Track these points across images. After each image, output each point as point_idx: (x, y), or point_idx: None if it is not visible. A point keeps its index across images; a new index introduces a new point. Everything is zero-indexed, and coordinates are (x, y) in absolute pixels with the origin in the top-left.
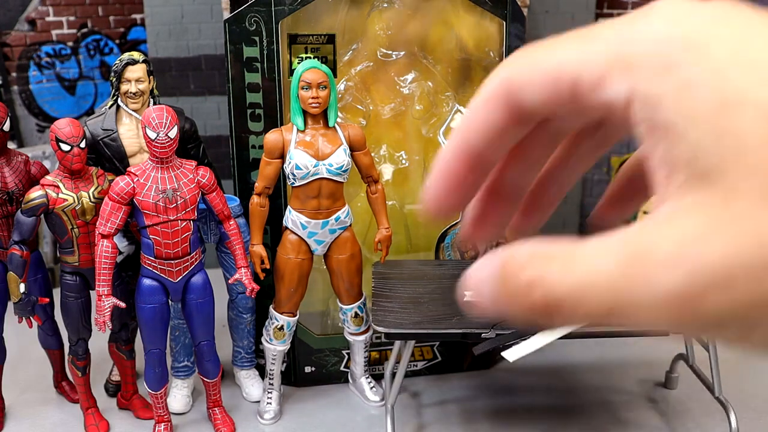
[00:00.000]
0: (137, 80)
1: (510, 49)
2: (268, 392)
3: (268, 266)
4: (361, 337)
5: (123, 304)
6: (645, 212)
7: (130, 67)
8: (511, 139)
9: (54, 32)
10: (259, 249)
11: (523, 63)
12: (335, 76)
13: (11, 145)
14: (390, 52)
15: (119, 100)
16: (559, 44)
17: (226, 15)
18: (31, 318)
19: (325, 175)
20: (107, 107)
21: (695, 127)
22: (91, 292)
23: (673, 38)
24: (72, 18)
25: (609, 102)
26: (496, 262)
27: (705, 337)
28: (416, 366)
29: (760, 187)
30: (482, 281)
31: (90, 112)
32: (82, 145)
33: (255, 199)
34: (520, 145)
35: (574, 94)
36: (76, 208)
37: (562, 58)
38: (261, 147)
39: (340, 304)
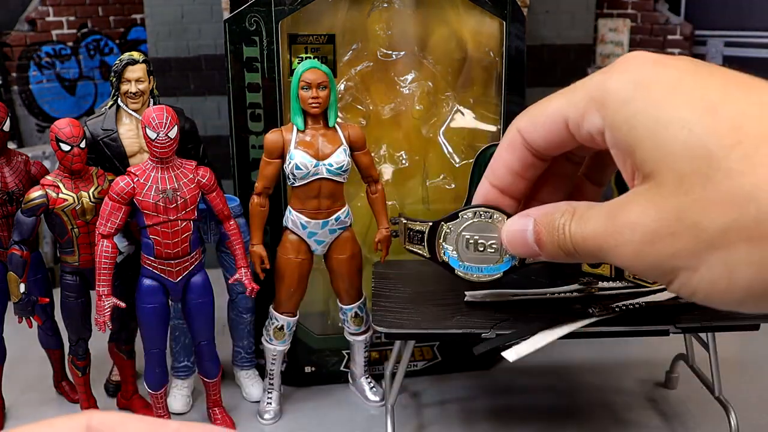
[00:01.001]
0: (137, 80)
1: (510, 49)
2: (268, 392)
3: (268, 266)
4: (361, 337)
5: (123, 304)
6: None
7: (130, 67)
8: (535, 171)
9: (54, 32)
10: (259, 249)
11: (529, 115)
12: (335, 76)
13: (11, 145)
14: (390, 52)
15: (119, 100)
16: (553, 97)
17: (226, 15)
18: (31, 318)
19: (325, 175)
20: (107, 107)
21: (641, 145)
22: (91, 292)
23: (630, 82)
24: (72, 18)
25: (590, 132)
26: (533, 213)
27: (649, 276)
28: (416, 366)
29: (676, 181)
30: (520, 226)
31: (90, 112)
32: (82, 145)
33: (255, 199)
34: (545, 176)
35: (568, 131)
36: (76, 208)
37: (555, 106)
38: (261, 147)
39: (340, 305)
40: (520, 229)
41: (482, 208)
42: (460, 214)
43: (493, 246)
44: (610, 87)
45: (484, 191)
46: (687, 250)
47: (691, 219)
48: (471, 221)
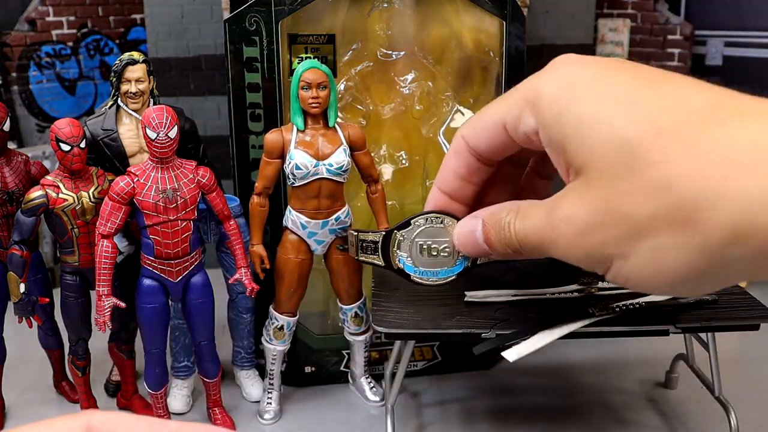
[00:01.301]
0: (137, 80)
1: (510, 49)
2: (268, 392)
3: (268, 266)
4: (361, 338)
5: (123, 304)
6: None
7: (130, 67)
8: (481, 175)
9: (54, 32)
10: (259, 249)
11: (471, 122)
12: (335, 76)
13: (11, 145)
14: (390, 52)
15: (119, 100)
16: (492, 104)
17: (226, 15)
18: (31, 318)
19: (325, 175)
20: (107, 107)
21: (569, 142)
22: (91, 292)
23: (557, 83)
24: (72, 18)
25: (526, 133)
26: (480, 214)
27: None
28: (416, 366)
29: (602, 174)
30: (470, 227)
31: (90, 112)
32: (82, 145)
33: (255, 199)
34: (492, 179)
35: (506, 134)
36: (76, 208)
37: (492, 112)
38: (261, 147)
39: (340, 305)
40: (470, 231)
41: (433, 214)
42: (412, 222)
43: (446, 250)
44: (540, 88)
45: (434, 198)
46: (617, 238)
47: (618, 209)
48: (423, 227)
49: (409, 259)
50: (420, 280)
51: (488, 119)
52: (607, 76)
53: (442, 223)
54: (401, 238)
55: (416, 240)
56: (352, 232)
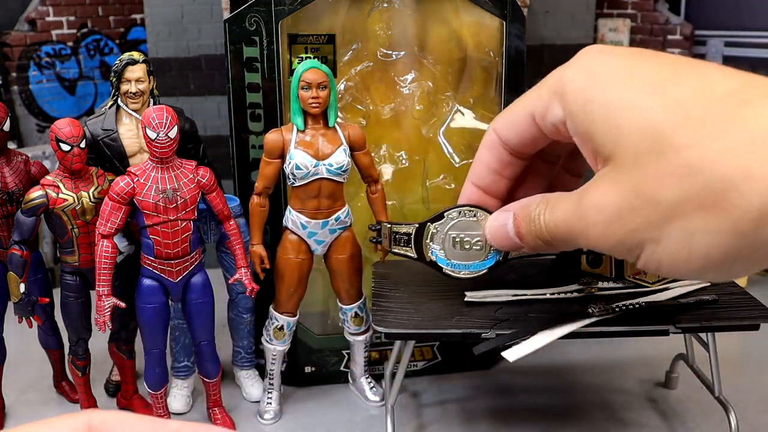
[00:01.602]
0: (137, 80)
1: (510, 49)
2: (268, 392)
3: (268, 266)
4: (361, 338)
5: (123, 304)
6: None
7: (130, 67)
8: (513, 169)
9: (54, 32)
10: (259, 249)
11: (502, 115)
12: (335, 76)
13: (11, 145)
14: (390, 52)
15: (119, 100)
16: (522, 97)
17: (226, 15)
18: (31, 318)
19: (325, 175)
20: (107, 107)
21: (597, 129)
22: (91, 292)
23: (584, 72)
24: (72, 18)
25: (554, 124)
26: (511, 207)
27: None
28: (416, 366)
29: (631, 160)
30: (501, 221)
31: (90, 112)
32: (82, 145)
33: (255, 199)
34: (524, 175)
35: (536, 126)
36: (76, 208)
37: (522, 104)
38: (261, 147)
39: (340, 305)
40: (501, 224)
41: (466, 207)
42: (445, 214)
43: (478, 243)
44: (566, 78)
45: (467, 192)
46: (647, 223)
47: (648, 193)
48: (456, 220)
49: (441, 251)
50: (451, 273)
51: (518, 112)
52: (633, 64)
53: (474, 216)
54: (434, 231)
55: (449, 233)
56: (386, 224)
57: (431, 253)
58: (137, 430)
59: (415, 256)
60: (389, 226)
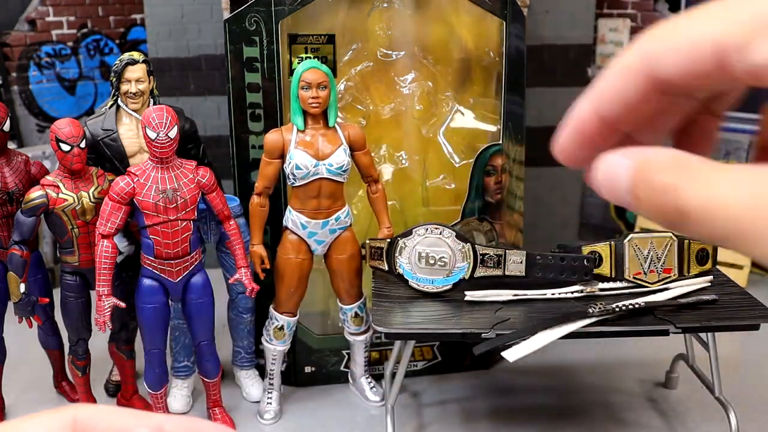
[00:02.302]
0: (137, 80)
1: (510, 49)
2: (268, 392)
3: (268, 266)
4: (361, 337)
5: (123, 304)
6: None
7: (130, 67)
8: (650, 106)
9: (54, 32)
10: (259, 249)
11: (662, 37)
12: (335, 76)
13: (11, 145)
14: (390, 52)
15: (119, 100)
16: (697, 18)
17: (226, 15)
18: (31, 318)
19: (325, 175)
20: (107, 107)
21: None
22: (91, 292)
23: None
24: (72, 18)
25: (755, 66)
26: (634, 158)
27: None
28: (416, 366)
29: None
30: (617, 170)
31: (90, 112)
32: (82, 145)
33: (255, 199)
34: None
35: (719, 63)
36: (76, 208)
37: (698, 30)
38: (261, 147)
39: (340, 305)
40: (615, 174)
41: (433, 225)
42: (413, 231)
43: (443, 260)
44: None
45: (582, 116)
46: None
47: None
48: (423, 237)
49: (408, 265)
50: (417, 287)
51: (691, 38)
52: None
53: (440, 234)
54: (403, 245)
55: (416, 248)
56: (367, 241)
57: (399, 266)
58: (121, 424)
59: (386, 269)
60: (369, 242)
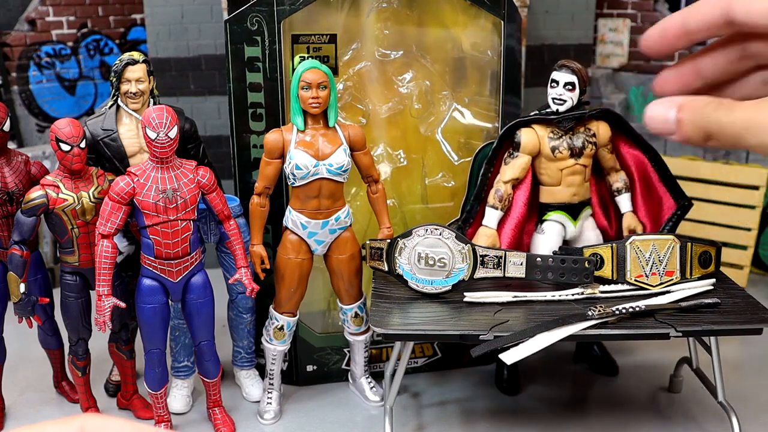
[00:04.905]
0: (137, 80)
1: (507, 49)
2: (268, 392)
3: (268, 266)
4: (361, 337)
5: (123, 304)
6: None
7: (130, 67)
8: (746, 65)
9: (54, 32)
10: (259, 249)
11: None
12: (336, 76)
13: (11, 145)
14: (388, 51)
15: (119, 100)
16: None
17: (226, 15)
18: (31, 318)
19: (325, 175)
20: (107, 107)
21: None
22: (91, 292)
23: None
24: (72, 18)
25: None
26: (676, 101)
27: None
28: (416, 363)
29: None
30: (664, 109)
31: (90, 112)
32: (82, 145)
33: (255, 199)
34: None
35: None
36: (76, 208)
37: None
38: (261, 147)
39: (340, 305)
40: (663, 107)
41: (432, 226)
42: (413, 231)
43: (442, 261)
44: None
45: (673, 20)
46: None
47: None
48: (423, 237)
49: (407, 266)
50: (416, 287)
51: None
52: None
53: (440, 234)
54: (403, 246)
55: (416, 249)
56: (367, 242)
57: (398, 267)
58: None
59: (386, 270)
60: (369, 242)
